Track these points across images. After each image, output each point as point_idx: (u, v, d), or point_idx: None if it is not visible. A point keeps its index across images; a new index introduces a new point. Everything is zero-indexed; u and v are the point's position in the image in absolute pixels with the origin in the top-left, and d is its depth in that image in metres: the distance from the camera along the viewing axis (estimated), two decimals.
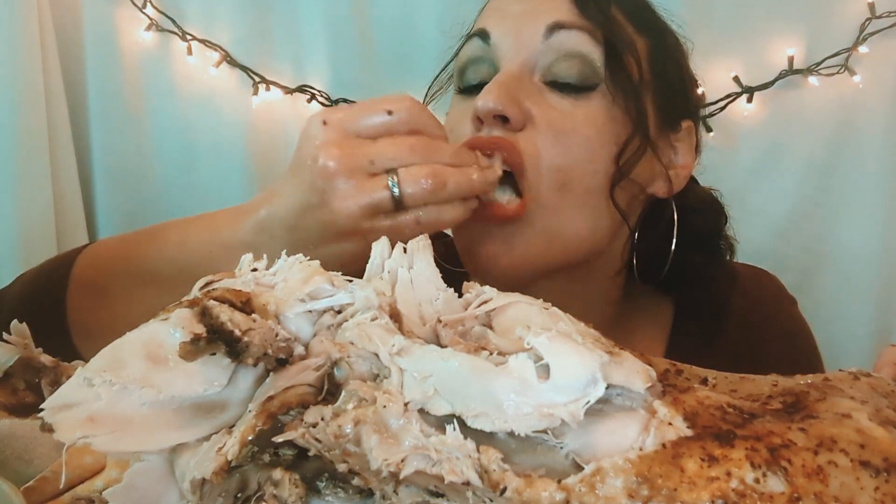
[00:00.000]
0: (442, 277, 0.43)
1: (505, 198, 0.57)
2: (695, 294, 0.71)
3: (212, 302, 0.38)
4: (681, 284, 0.69)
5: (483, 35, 0.62)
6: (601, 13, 0.60)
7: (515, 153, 0.56)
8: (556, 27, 0.59)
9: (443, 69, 0.75)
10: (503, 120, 0.57)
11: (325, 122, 0.52)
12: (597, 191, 0.59)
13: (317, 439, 0.35)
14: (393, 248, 0.44)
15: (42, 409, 0.35)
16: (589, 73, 0.59)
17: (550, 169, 0.57)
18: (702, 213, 0.70)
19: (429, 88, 0.76)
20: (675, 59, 0.68)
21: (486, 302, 0.42)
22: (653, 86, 0.63)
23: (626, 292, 0.71)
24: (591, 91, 0.59)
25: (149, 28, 1.57)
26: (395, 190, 0.49)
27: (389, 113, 0.51)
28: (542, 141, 0.57)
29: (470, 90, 0.63)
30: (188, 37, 1.57)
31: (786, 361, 0.68)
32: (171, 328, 0.38)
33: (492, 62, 0.62)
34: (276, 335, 0.38)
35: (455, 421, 0.34)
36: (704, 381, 0.39)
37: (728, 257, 0.72)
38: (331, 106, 1.54)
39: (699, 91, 1.42)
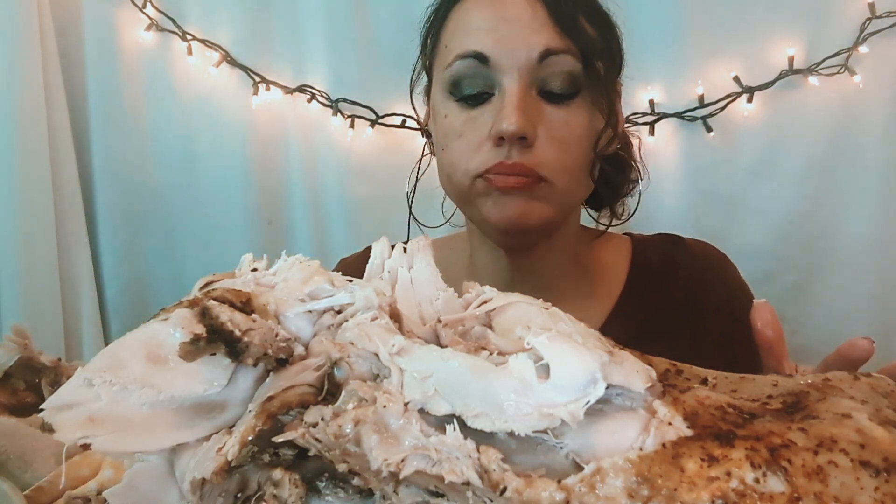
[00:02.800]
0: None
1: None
2: (646, 239, 0.87)
3: (212, 302, 0.38)
4: (615, 197, 0.84)
5: (480, 58, 0.71)
6: (578, 32, 0.71)
7: (534, 172, 0.70)
8: (547, 53, 0.70)
9: (415, 71, 0.83)
10: (522, 138, 0.69)
11: None
12: (585, 170, 0.74)
13: (317, 439, 0.35)
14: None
15: (42, 409, 0.35)
16: (573, 84, 0.71)
17: (559, 168, 0.71)
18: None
19: (411, 88, 0.85)
20: (616, 38, 0.77)
21: (486, 302, 0.42)
22: (604, 68, 0.73)
23: (587, 231, 0.85)
24: (575, 97, 0.72)
25: (149, 28, 1.57)
26: None
27: None
28: (551, 152, 0.70)
29: (466, 99, 0.73)
30: (188, 37, 1.57)
31: (728, 309, 0.80)
32: (171, 328, 0.38)
33: (488, 77, 0.71)
34: (276, 335, 0.38)
35: (455, 421, 0.34)
36: (704, 381, 0.39)
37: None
38: (330, 106, 1.54)
39: (699, 92, 1.43)
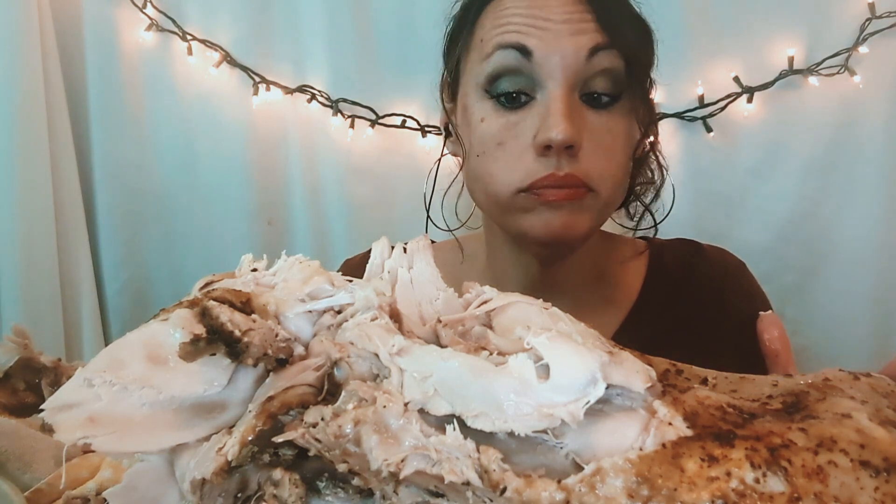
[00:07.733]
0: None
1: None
2: (666, 246, 0.86)
3: (212, 302, 0.38)
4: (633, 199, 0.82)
5: (524, 51, 0.68)
6: (623, 33, 0.69)
7: (583, 182, 0.68)
8: (596, 49, 0.67)
9: (445, 69, 0.79)
10: (569, 147, 0.67)
11: None
12: (625, 178, 0.73)
13: (317, 439, 0.35)
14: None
15: (42, 410, 0.35)
16: (617, 85, 0.69)
17: (604, 176, 0.69)
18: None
19: (442, 82, 0.81)
20: (651, 44, 0.75)
21: (485, 302, 0.42)
22: (642, 74, 0.72)
23: (607, 236, 0.85)
24: (618, 101, 0.69)
25: (149, 28, 1.57)
26: None
27: None
28: (596, 160, 0.68)
29: (504, 97, 0.70)
30: (188, 37, 1.56)
31: (745, 319, 0.77)
32: (171, 328, 0.38)
33: (531, 76, 0.68)
34: (276, 335, 0.38)
35: (455, 421, 0.34)
36: (704, 381, 0.39)
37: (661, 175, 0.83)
38: (330, 106, 1.54)
39: (699, 92, 1.43)
